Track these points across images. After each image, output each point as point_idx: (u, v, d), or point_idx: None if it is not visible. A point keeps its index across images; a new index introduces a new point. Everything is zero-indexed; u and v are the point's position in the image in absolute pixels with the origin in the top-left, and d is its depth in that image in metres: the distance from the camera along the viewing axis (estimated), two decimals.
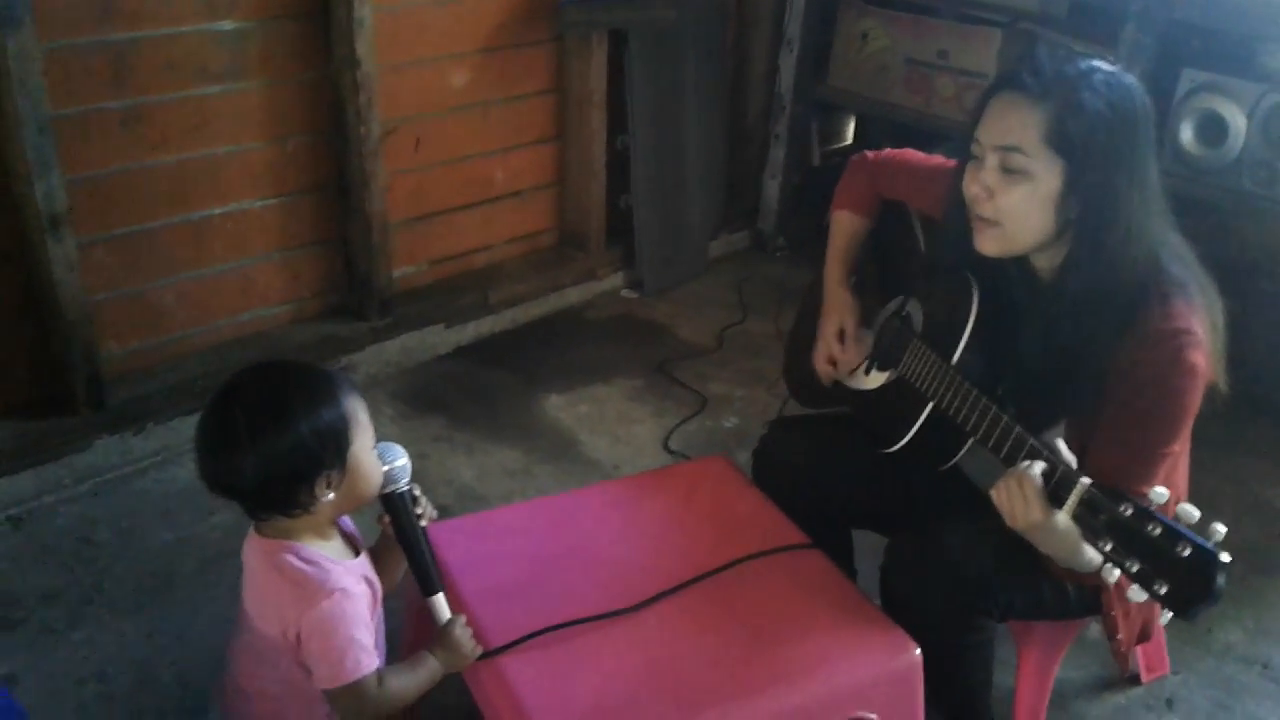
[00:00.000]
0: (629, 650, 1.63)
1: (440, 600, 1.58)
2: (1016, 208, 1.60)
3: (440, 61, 3.08)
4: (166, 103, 2.60)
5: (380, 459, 1.55)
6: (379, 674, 1.50)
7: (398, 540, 1.60)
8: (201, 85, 2.64)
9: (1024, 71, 1.59)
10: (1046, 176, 1.57)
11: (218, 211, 2.77)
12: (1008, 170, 1.59)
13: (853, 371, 2.00)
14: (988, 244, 1.66)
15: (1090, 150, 1.55)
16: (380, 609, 1.60)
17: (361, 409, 1.51)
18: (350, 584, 1.49)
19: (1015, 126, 1.58)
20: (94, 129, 2.50)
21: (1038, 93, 1.56)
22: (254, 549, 1.54)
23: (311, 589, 1.46)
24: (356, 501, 1.53)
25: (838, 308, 2.01)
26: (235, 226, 2.82)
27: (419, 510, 1.60)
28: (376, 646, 1.53)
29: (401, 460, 1.57)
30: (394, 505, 1.58)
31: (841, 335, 1.99)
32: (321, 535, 1.54)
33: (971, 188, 1.64)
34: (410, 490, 1.59)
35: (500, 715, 1.56)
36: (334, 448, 1.45)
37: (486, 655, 1.59)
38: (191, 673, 2.07)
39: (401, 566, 1.66)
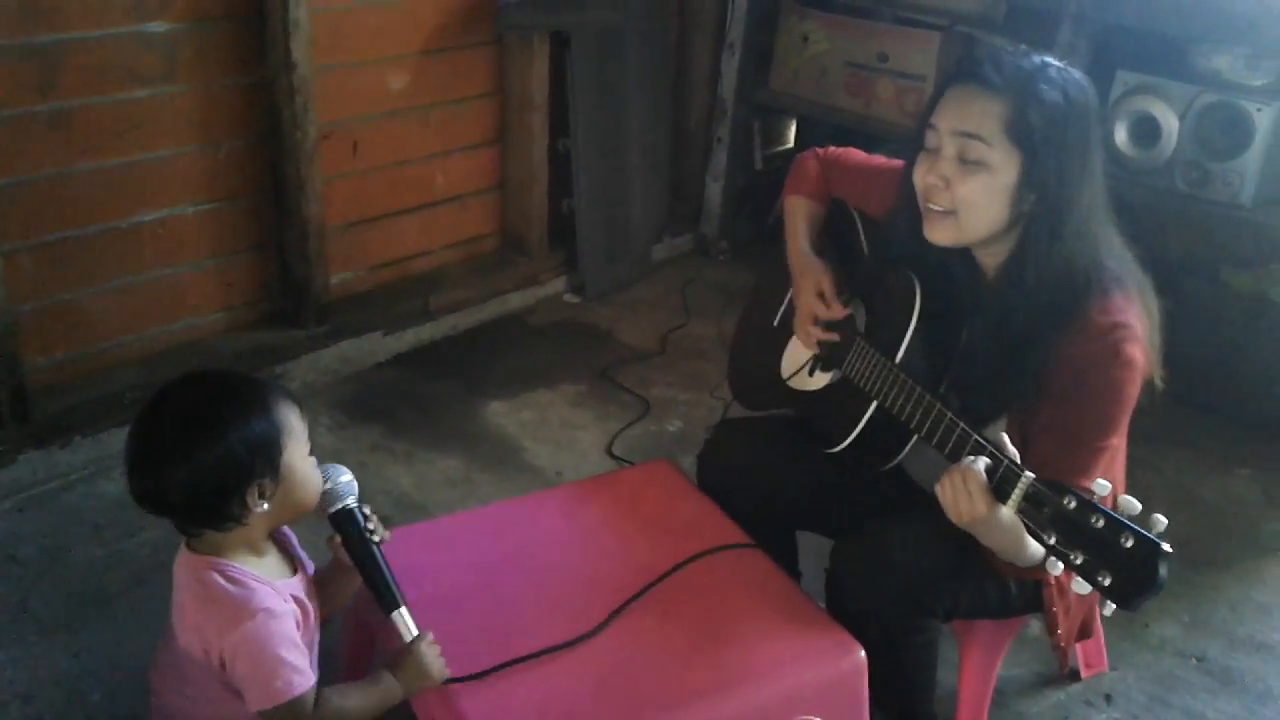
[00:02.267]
0: (573, 660, 1.61)
1: (404, 615, 1.53)
2: (973, 197, 1.61)
3: (378, 64, 3.04)
4: (95, 106, 2.54)
5: (325, 478, 1.53)
6: (318, 692, 1.46)
7: (350, 558, 1.56)
8: (131, 89, 2.58)
9: (984, 63, 1.61)
10: (1004, 167, 1.59)
11: (148, 218, 2.71)
12: (965, 161, 1.60)
13: (796, 372, 2.00)
14: (941, 233, 1.67)
15: (1047, 142, 1.57)
16: (316, 630, 1.56)
17: (295, 416, 1.48)
18: (275, 604, 1.45)
19: (975, 114, 1.59)
20: (19, 133, 2.44)
21: (998, 84, 1.58)
22: (182, 565, 1.50)
23: (233, 610, 1.42)
24: (294, 511, 1.50)
25: (810, 270, 1.94)
26: (167, 233, 2.75)
27: (370, 527, 1.57)
28: (310, 667, 1.49)
29: (346, 477, 1.56)
30: (342, 522, 1.55)
31: (822, 295, 1.92)
32: (255, 551, 1.50)
33: (927, 178, 1.65)
34: (359, 507, 1.56)
35: None
36: (265, 456, 1.43)
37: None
38: (121, 693, 2.01)
39: (351, 589, 1.63)
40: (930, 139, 1.65)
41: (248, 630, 1.41)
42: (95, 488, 2.55)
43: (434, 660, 1.51)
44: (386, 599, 1.54)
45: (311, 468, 1.51)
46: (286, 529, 1.59)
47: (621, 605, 1.69)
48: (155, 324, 2.81)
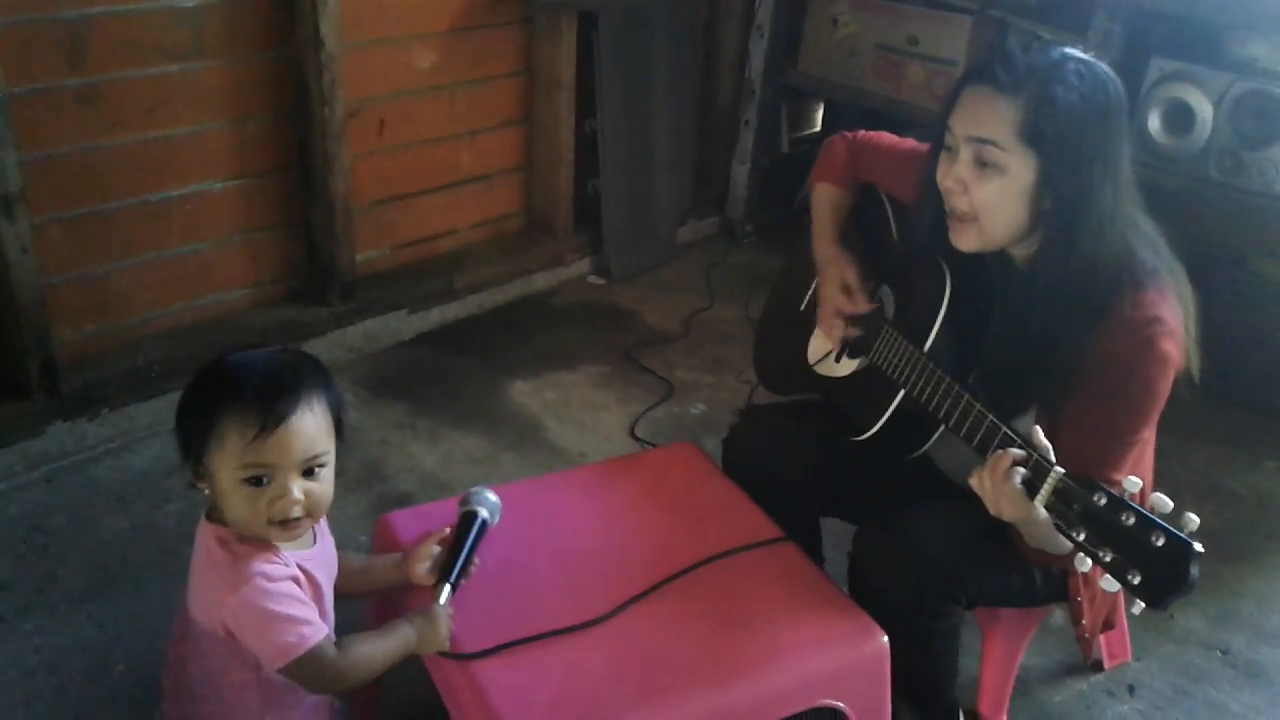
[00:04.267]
0: (598, 641, 1.61)
1: (449, 590, 1.59)
2: (990, 201, 1.59)
3: (406, 42, 3.03)
4: (124, 81, 2.55)
5: (475, 493, 1.69)
6: (334, 642, 1.46)
7: (455, 530, 1.65)
8: (161, 64, 2.59)
9: (996, 64, 1.58)
10: (1020, 170, 1.57)
11: (176, 193, 2.72)
12: (982, 164, 1.58)
13: (822, 358, 1.99)
14: (964, 240, 1.65)
15: (1064, 144, 1.54)
16: (330, 607, 1.55)
17: (235, 431, 1.38)
18: (271, 568, 1.43)
19: (989, 119, 1.57)
20: (50, 107, 2.45)
21: (1010, 87, 1.55)
22: (198, 533, 1.51)
23: (230, 575, 1.42)
24: (238, 524, 1.44)
25: (834, 264, 1.94)
26: (194, 208, 2.76)
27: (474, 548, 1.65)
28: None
29: (493, 498, 1.70)
30: (466, 516, 1.67)
31: (846, 288, 1.92)
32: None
33: (945, 180, 1.63)
34: (485, 519, 1.67)
35: (467, 713, 1.54)
36: (189, 444, 1.43)
37: (458, 656, 1.55)
38: (144, 664, 2.02)
39: (377, 589, 1.70)
40: (949, 140, 1.63)
41: (244, 594, 1.40)
42: (122, 460, 2.56)
43: (445, 626, 1.56)
44: (448, 572, 1.61)
45: (236, 489, 1.40)
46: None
47: (643, 592, 1.68)
48: (182, 299, 2.82)
